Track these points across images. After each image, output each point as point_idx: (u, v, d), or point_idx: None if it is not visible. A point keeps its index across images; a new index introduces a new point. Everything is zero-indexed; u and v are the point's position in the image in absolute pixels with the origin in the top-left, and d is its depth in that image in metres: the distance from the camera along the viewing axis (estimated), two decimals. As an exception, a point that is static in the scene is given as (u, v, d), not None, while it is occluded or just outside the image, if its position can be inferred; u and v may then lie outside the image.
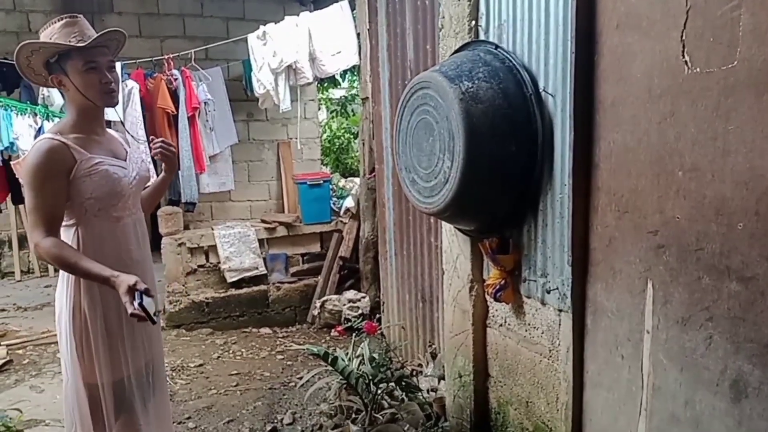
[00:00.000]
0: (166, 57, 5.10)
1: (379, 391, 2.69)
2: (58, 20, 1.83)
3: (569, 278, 1.88)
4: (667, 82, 1.53)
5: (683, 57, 1.48)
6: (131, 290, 1.67)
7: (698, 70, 1.45)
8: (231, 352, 4.34)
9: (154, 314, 1.70)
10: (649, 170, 1.60)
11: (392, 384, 2.75)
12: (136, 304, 1.66)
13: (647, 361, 1.66)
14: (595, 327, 1.86)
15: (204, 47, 5.48)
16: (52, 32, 1.81)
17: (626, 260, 1.71)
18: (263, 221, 5.37)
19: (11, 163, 4.49)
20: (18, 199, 5.00)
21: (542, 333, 2.08)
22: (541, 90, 1.95)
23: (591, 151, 1.80)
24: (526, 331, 2.17)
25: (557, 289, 1.96)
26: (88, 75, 1.80)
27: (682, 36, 1.48)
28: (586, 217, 1.85)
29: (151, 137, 2.19)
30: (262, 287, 5.01)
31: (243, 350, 4.36)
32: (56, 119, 4.53)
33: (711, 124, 1.42)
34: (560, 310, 1.96)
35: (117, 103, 1.93)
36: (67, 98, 1.88)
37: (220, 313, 4.88)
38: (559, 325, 1.98)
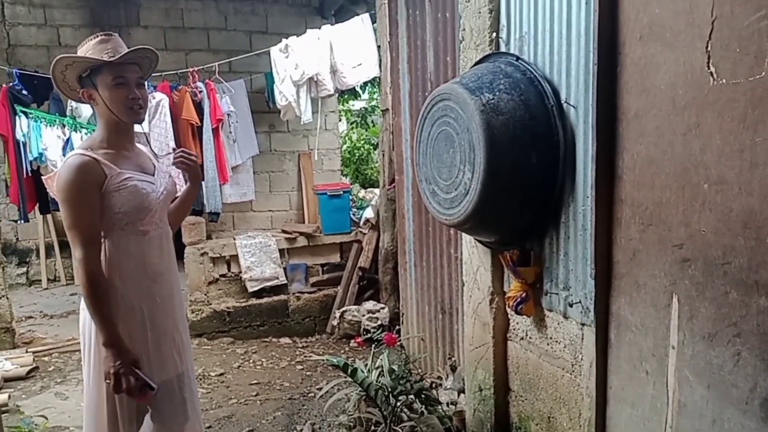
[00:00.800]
0: (191, 70, 5.19)
1: (398, 404, 2.68)
2: (94, 37, 1.89)
3: (592, 291, 1.86)
4: (691, 94, 1.51)
5: (708, 68, 1.46)
6: (129, 371, 1.77)
7: (724, 81, 1.42)
8: (251, 361, 4.36)
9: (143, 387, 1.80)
10: (674, 182, 1.58)
11: (412, 396, 2.73)
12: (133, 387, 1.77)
13: (672, 378, 1.62)
14: (618, 341, 1.83)
15: (228, 60, 5.57)
16: (87, 48, 1.88)
17: (651, 274, 1.68)
18: (284, 231, 5.41)
19: (43, 177, 4.61)
20: (45, 209, 5.13)
21: (564, 347, 2.05)
22: (563, 101, 1.93)
23: (614, 163, 1.78)
24: (548, 344, 2.14)
25: (580, 302, 1.93)
26: (116, 90, 1.85)
27: (707, 47, 1.46)
28: (609, 230, 1.82)
29: (173, 148, 2.23)
30: (283, 297, 5.03)
31: (263, 360, 4.38)
32: (84, 130, 4.64)
33: (738, 136, 1.40)
34: (583, 324, 1.93)
35: (143, 120, 1.98)
36: (97, 113, 1.92)
37: (241, 323, 4.92)
38: (582, 339, 1.95)
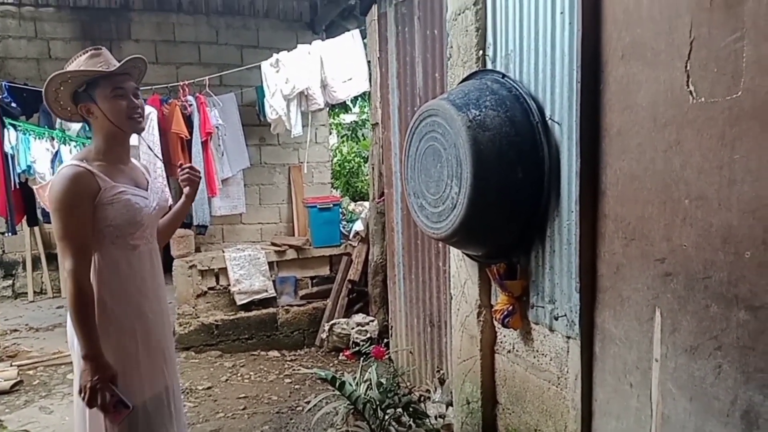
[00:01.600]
0: (181, 84, 5.21)
1: (386, 417, 2.68)
2: (84, 53, 1.89)
3: (577, 305, 1.88)
4: (672, 112, 1.55)
5: (688, 87, 1.50)
6: (106, 386, 1.76)
7: (703, 99, 1.47)
8: (239, 375, 4.33)
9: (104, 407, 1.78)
10: (656, 198, 1.61)
11: (400, 410, 2.74)
12: (109, 403, 1.76)
13: (656, 390, 1.64)
14: (603, 354, 1.85)
15: (218, 74, 5.60)
16: (78, 63, 1.87)
17: (634, 287, 1.70)
18: (273, 244, 5.41)
19: (34, 187, 4.58)
20: (33, 221, 5.10)
21: (550, 360, 2.07)
22: (547, 118, 1.97)
23: (598, 179, 1.82)
24: (535, 357, 2.16)
25: (565, 315, 1.95)
26: (115, 101, 1.85)
27: (686, 66, 1.51)
28: (593, 244, 1.85)
29: (180, 162, 2.23)
30: (271, 310, 5.02)
31: (251, 373, 4.36)
32: (72, 143, 4.63)
33: (716, 153, 1.44)
34: (568, 337, 1.96)
35: (143, 130, 1.98)
36: (94, 127, 1.91)
37: (230, 336, 4.89)
38: (568, 352, 1.97)
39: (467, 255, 2.41)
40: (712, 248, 1.46)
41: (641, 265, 1.67)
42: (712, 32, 1.44)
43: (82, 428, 1.92)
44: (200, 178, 2.15)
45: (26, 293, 6.38)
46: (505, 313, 2.15)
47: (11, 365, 4.25)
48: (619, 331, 1.77)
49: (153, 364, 1.96)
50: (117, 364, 1.83)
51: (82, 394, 1.77)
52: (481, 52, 2.31)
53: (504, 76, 2.13)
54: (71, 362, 2.05)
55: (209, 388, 4.05)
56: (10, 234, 5.08)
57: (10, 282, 6.41)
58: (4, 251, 6.36)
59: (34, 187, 4.06)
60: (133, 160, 2.05)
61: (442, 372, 3.36)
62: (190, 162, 5.12)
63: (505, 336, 2.34)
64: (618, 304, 1.77)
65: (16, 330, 5.26)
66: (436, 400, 3.12)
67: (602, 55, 1.78)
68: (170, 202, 2.23)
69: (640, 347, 1.69)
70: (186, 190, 2.14)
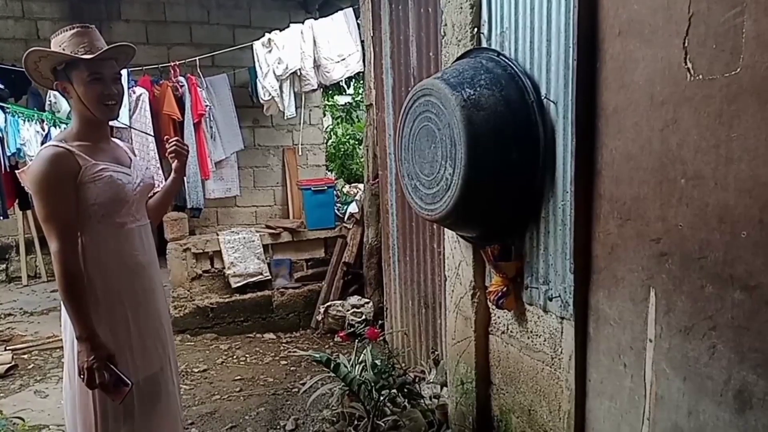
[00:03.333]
0: (172, 64, 5.13)
1: (381, 398, 2.68)
2: (70, 29, 1.84)
3: (571, 286, 1.87)
4: (669, 90, 1.53)
5: (685, 64, 1.47)
6: (103, 364, 1.75)
7: (701, 77, 1.44)
8: (235, 357, 4.34)
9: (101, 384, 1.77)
10: (652, 178, 1.59)
11: (394, 391, 2.74)
12: (107, 381, 1.75)
13: (650, 370, 1.64)
14: (597, 335, 1.85)
15: (210, 54, 5.51)
16: (62, 40, 1.83)
17: (629, 268, 1.69)
18: (268, 227, 5.39)
19: (17, 171, 4.53)
20: (25, 205, 5.04)
21: (544, 341, 2.07)
22: (543, 97, 1.94)
23: (593, 159, 1.80)
24: (529, 338, 2.16)
25: (559, 296, 1.94)
26: (91, 86, 1.82)
27: (684, 43, 1.48)
28: (588, 225, 1.84)
29: (166, 137, 2.20)
30: (267, 292, 5.01)
31: (247, 355, 4.36)
32: (63, 126, 4.56)
33: (714, 132, 1.42)
34: (562, 318, 1.95)
35: (117, 117, 1.94)
36: (72, 106, 1.90)
37: (225, 318, 4.89)
38: (561, 333, 1.97)
39: (462, 236, 2.40)
40: (708, 228, 1.45)
41: (636, 245, 1.66)
42: (711, 7, 1.41)
43: (71, 410, 1.92)
44: (188, 151, 2.13)
45: (20, 277, 6.35)
46: (500, 294, 2.14)
47: (6, 349, 4.24)
48: (614, 312, 1.77)
49: (145, 344, 1.96)
50: (109, 344, 1.82)
51: (81, 376, 1.77)
52: (475, 29, 2.27)
53: (499, 54, 2.10)
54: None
55: (205, 370, 4.05)
56: (2, 218, 5.03)
57: (4, 266, 6.38)
58: (-4, 235, 6.32)
59: (17, 172, 4.00)
60: (115, 140, 2.03)
61: (436, 353, 3.37)
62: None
63: (499, 317, 2.34)
64: (612, 285, 1.76)
65: (10, 314, 5.24)
66: (431, 381, 3.13)
67: (599, 32, 1.74)
68: (159, 180, 2.20)
69: (634, 328, 1.69)
70: (174, 164, 2.11)
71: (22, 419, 3.17)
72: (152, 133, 4.84)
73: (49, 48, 1.83)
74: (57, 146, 1.79)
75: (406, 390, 2.75)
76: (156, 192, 2.19)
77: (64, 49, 1.81)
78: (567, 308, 1.90)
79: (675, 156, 1.52)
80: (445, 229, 2.55)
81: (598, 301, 1.83)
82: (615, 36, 1.69)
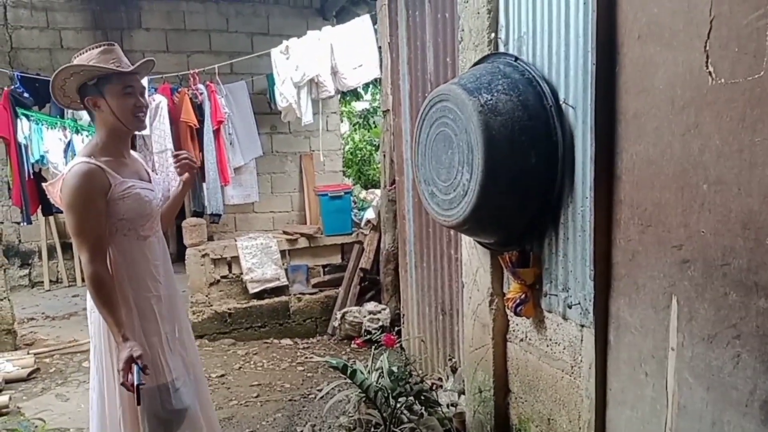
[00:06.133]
0: (191, 72, 5.20)
1: (398, 405, 2.67)
2: (97, 47, 1.92)
3: (591, 293, 1.85)
4: (690, 94, 1.50)
5: (707, 68, 1.45)
6: (132, 360, 1.76)
7: (723, 81, 1.41)
8: (252, 362, 4.36)
9: (140, 385, 1.77)
10: (673, 183, 1.57)
11: (411, 398, 2.72)
12: (135, 378, 1.75)
13: (672, 379, 1.61)
14: (618, 343, 1.82)
15: (229, 62, 5.58)
16: (89, 57, 1.90)
17: (650, 275, 1.66)
18: (285, 233, 5.41)
19: (43, 185, 4.61)
20: (48, 211, 5.14)
21: (564, 348, 2.04)
22: (561, 102, 1.92)
23: (613, 164, 1.77)
24: (548, 346, 2.13)
25: (579, 303, 1.92)
26: (124, 99, 1.90)
27: (705, 46, 1.45)
28: (608, 231, 1.81)
29: (175, 152, 2.28)
30: (284, 298, 5.04)
31: (264, 361, 4.38)
32: (85, 133, 4.64)
33: (737, 136, 1.39)
34: (582, 326, 1.92)
35: (145, 128, 2.07)
36: (97, 121, 1.96)
37: (242, 324, 4.92)
38: (581, 340, 1.94)
39: (479, 242, 2.38)
40: (732, 234, 1.41)
41: (658, 252, 1.63)
42: (733, 10, 1.38)
43: (100, 415, 1.94)
44: (197, 165, 2.21)
45: (42, 282, 6.47)
46: (518, 301, 2.12)
47: (28, 353, 4.31)
48: (635, 320, 1.73)
49: (172, 347, 2.04)
50: (145, 348, 1.89)
51: (123, 379, 1.80)
52: (493, 34, 2.26)
53: (517, 59, 2.08)
54: (87, 350, 2.09)
55: (223, 375, 4.08)
56: (25, 224, 5.14)
57: (27, 271, 6.50)
58: (20, 241, 6.44)
59: (44, 185, 4.12)
60: (133, 152, 2.11)
61: (454, 360, 3.35)
62: (202, 151, 5.13)
63: (517, 324, 2.31)
64: (633, 292, 1.73)
65: (32, 318, 5.34)
66: (448, 388, 3.11)
67: (618, 37, 1.72)
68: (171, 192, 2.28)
69: (655, 336, 1.66)
70: (184, 176, 2.17)
71: (43, 421, 3.22)
72: (171, 145, 4.91)
73: (73, 64, 1.88)
74: (89, 163, 1.86)
75: (423, 397, 2.73)
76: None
77: (95, 65, 1.87)
78: (587, 316, 1.88)
79: (697, 161, 1.49)
80: (462, 235, 2.54)
81: (619, 309, 1.80)
82: (634, 40, 1.67)
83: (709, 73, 1.44)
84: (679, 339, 1.58)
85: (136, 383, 1.75)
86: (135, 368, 1.76)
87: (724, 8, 1.40)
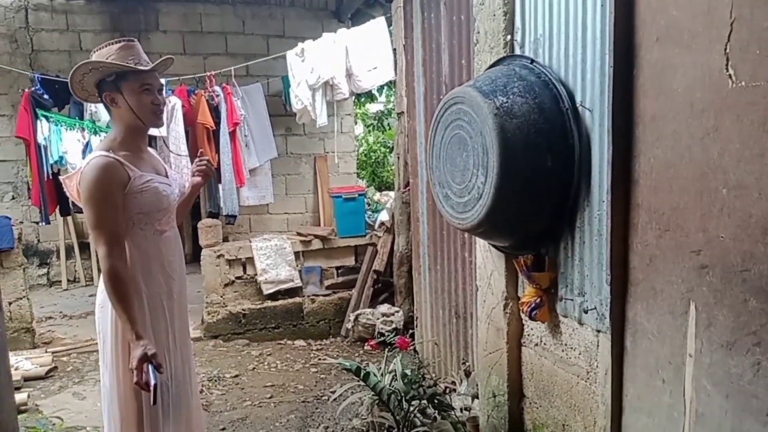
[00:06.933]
0: (208, 74, 5.24)
1: (411, 409, 2.66)
2: (116, 42, 1.93)
3: (608, 298, 1.83)
4: (710, 97, 1.48)
5: (727, 70, 1.43)
6: (147, 359, 1.76)
7: (743, 83, 1.39)
8: (266, 363, 4.37)
9: (155, 386, 1.77)
10: (692, 187, 1.55)
11: (425, 401, 2.72)
12: (151, 377, 1.75)
13: (690, 386, 1.58)
14: (634, 349, 1.79)
15: (245, 64, 5.62)
16: (109, 53, 1.90)
17: (668, 280, 1.64)
18: (299, 234, 5.43)
19: (60, 178, 4.68)
20: (66, 211, 5.22)
21: (579, 354, 2.02)
22: (578, 104, 1.91)
23: (630, 167, 1.75)
24: (563, 351, 2.11)
25: (595, 308, 1.90)
26: (142, 96, 1.91)
27: (725, 49, 1.43)
28: (625, 235, 1.79)
29: (201, 152, 2.28)
30: (297, 299, 5.05)
31: (278, 362, 4.39)
32: (102, 134, 4.70)
33: (757, 140, 1.36)
34: (598, 331, 1.90)
35: (163, 125, 2.09)
36: (114, 116, 1.97)
37: (257, 325, 4.94)
38: (597, 346, 1.92)
39: (494, 246, 2.37)
40: (752, 240, 1.39)
41: (675, 256, 1.61)
42: (754, 12, 1.36)
43: (110, 408, 1.96)
44: (214, 171, 2.22)
45: (60, 281, 6.56)
46: (533, 305, 2.10)
47: (46, 351, 4.37)
48: (652, 325, 1.71)
49: (178, 344, 2.05)
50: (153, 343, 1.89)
51: (136, 377, 1.80)
52: (509, 37, 2.25)
53: (533, 61, 2.07)
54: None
55: (237, 376, 4.10)
56: (44, 223, 5.22)
57: (45, 270, 6.60)
58: (39, 240, 6.54)
59: (61, 178, 4.18)
60: (149, 149, 2.12)
61: (467, 364, 3.33)
62: (218, 152, 5.17)
63: (532, 329, 2.30)
64: (650, 297, 1.71)
65: (50, 317, 5.41)
66: (462, 392, 3.09)
67: (636, 39, 1.70)
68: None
69: (673, 342, 1.63)
70: (196, 179, 2.19)
71: (61, 419, 3.26)
72: (185, 148, 4.96)
73: (92, 60, 1.90)
74: (107, 156, 1.87)
75: (436, 401, 2.72)
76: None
77: (113, 61, 1.89)
78: (603, 321, 1.86)
79: (716, 165, 1.47)
80: (477, 238, 2.52)
81: (636, 314, 1.78)
82: (653, 42, 1.65)
83: (729, 76, 1.42)
84: (697, 345, 1.55)
85: (153, 383, 1.76)
86: (150, 368, 1.77)
87: (745, 10, 1.38)
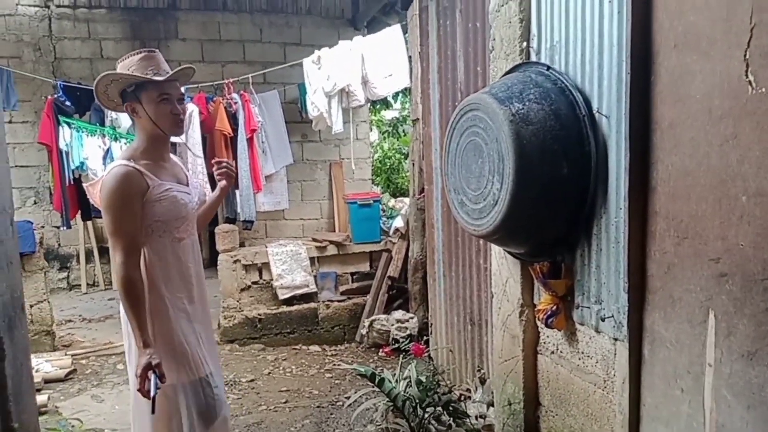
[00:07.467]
0: (226, 81, 5.31)
1: (426, 415, 2.66)
2: (137, 53, 1.98)
3: (625, 306, 1.81)
4: (728, 103, 1.47)
5: (747, 77, 1.41)
6: (150, 368, 1.80)
7: (764, 90, 1.38)
8: (281, 368, 4.39)
9: (153, 397, 1.80)
10: (710, 194, 1.53)
11: (439, 408, 2.71)
12: (152, 386, 1.78)
13: (709, 397, 1.56)
14: (652, 358, 1.77)
15: (262, 71, 5.67)
16: (130, 64, 1.95)
17: (686, 288, 1.62)
18: (314, 240, 5.46)
19: (84, 185, 4.76)
20: (87, 216, 5.30)
21: (596, 362, 2.01)
22: (594, 111, 1.90)
23: (648, 174, 1.74)
24: (580, 359, 2.09)
25: (612, 316, 1.88)
26: (160, 106, 1.95)
27: (745, 55, 1.42)
28: (642, 243, 1.77)
29: (217, 158, 2.31)
30: (312, 305, 5.07)
31: (293, 367, 4.41)
32: (123, 140, 4.78)
33: (778, 147, 1.35)
34: (616, 339, 1.88)
35: (183, 133, 2.08)
36: (137, 125, 2.02)
37: (272, 330, 4.97)
38: (615, 354, 1.90)
39: (509, 252, 2.36)
40: (773, 248, 1.37)
41: (694, 264, 1.59)
42: (774, 18, 1.35)
43: (142, 412, 1.98)
44: (235, 173, 2.22)
45: (80, 285, 6.66)
46: (549, 313, 2.09)
47: (66, 354, 4.44)
48: (670, 334, 1.69)
49: (199, 347, 2.07)
50: (174, 347, 1.94)
51: (138, 381, 1.85)
52: (524, 44, 2.25)
53: (549, 68, 2.07)
54: (121, 353, 2.14)
55: (252, 380, 4.12)
56: (65, 228, 5.31)
57: (65, 274, 6.70)
58: (59, 245, 6.65)
59: (84, 185, 4.26)
60: (172, 156, 2.14)
61: (482, 371, 3.32)
62: (235, 159, 5.22)
63: (548, 336, 2.28)
64: (669, 306, 1.69)
65: (70, 321, 5.49)
66: (477, 399, 3.08)
67: (653, 45, 1.70)
68: (206, 197, 2.33)
69: (692, 351, 1.61)
70: (222, 183, 2.21)
71: (80, 421, 3.31)
72: (201, 154, 5.02)
73: (116, 71, 1.95)
74: (127, 165, 1.91)
75: (451, 408, 2.71)
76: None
77: (133, 72, 1.93)
78: (620, 329, 1.84)
79: (735, 172, 1.46)
80: (492, 245, 2.52)
81: (654, 323, 1.76)
82: (670, 49, 1.64)
83: (749, 82, 1.41)
84: (716, 355, 1.53)
85: (153, 393, 1.78)
86: (153, 377, 1.79)
87: (764, 16, 1.37)
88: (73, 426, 3.23)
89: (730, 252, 1.48)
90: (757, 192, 1.40)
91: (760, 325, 1.41)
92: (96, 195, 2.03)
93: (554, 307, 2.09)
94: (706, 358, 1.56)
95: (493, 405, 2.73)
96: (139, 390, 1.83)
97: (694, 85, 1.56)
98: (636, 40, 1.71)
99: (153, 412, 1.80)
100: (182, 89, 2.08)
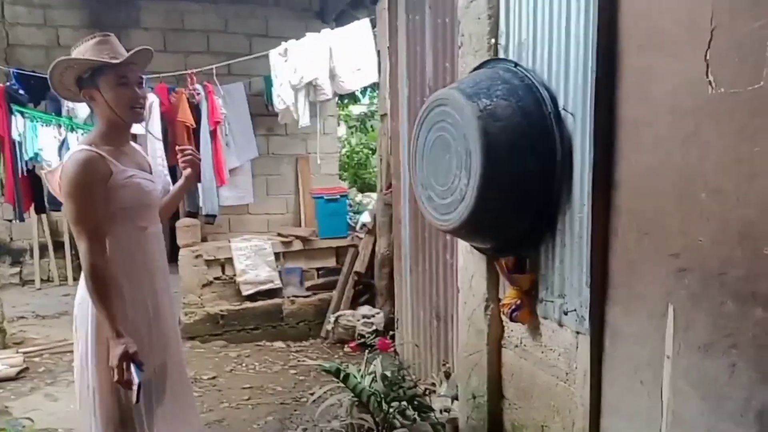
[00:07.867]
0: (189, 72, 5.19)
1: (390, 410, 2.65)
2: (91, 38, 1.90)
3: (587, 300, 1.84)
4: (690, 103, 1.50)
5: (707, 77, 1.45)
6: (127, 357, 1.74)
7: (723, 90, 1.42)
8: (244, 365, 4.33)
9: (139, 385, 1.75)
10: (672, 192, 1.57)
11: (404, 403, 2.71)
12: (134, 376, 1.73)
13: (667, 388, 1.60)
14: (613, 351, 1.81)
15: (227, 63, 5.56)
16: (85, 49, 1.88)
17: (647, 283, 1.66)
18: (279, 235, 5.40)
19: (43, 172, 4.57)
20: (41, 209, 5.10)
21: (559, 355, 2.04)
22: (561, 108, 1.93)
23: (611, 171, 1.77)
24: (543, 353, 2.13)
25: (575, 310, 1.91)
26: (119, 90, 1.88)
27: (706, 56, 1.46)
28: (605, 238, 1.81)
29: (180, 146, 2.25)
30: (277, 301, 5.01)
31: (256, 364, 4.35)
32: (80, 131, 4.62)
33: (736, 147, 1.39)
34: (578, 333, 1.92)
35: (142, 120, 2.02)
36: (96, 113, 1.95)
37: (235, 326, 4.89)
38: (577, 347, 1.93)
39: (475, 248, 2.37)
40: (730, 244, 1.42)
41: (655, 260, 1.63)
42: (734, 20, 1.39)
43: (89, 408, 1.92)
44: (200, 160, 2.19)
45: (33, 281, 6.41)
46: (514, 307, 2.12)
47: (17, 352, 4.26)
48: (631, 328, 1.73)
49: (158, 339, 2.02)
50: (134, 340, 1.86)
51: (115, 375, 1.78)
52: (493, 40, 2.26)
53: (516, 65, 2.09)
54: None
55: (214, 377, 4.05)
56: (18, 221, 5.10)
57: (18, 269, 6.44)
58: (11, 239, 6.39)
59: (42, 172, 4.09)
60: (132, 143, 2.09)
61: (447, 366, 3.34)
62: (198, 151, 5.11)
63: (512, 330, 2.31)
64: (630, 300, 1.73)
65: (23, 317, 5.29)
66: (442, 393, 3.10)
67: (619, 45, 1.73)
68: (170, 186, 2.27)
69: (651, 344, 1.65)
70: (187, 171, 2.16)
71: (32, 420, 3.18)
72: (160, 137, 4.89)
73: (65, 58, 1.87)
74: (90, 150, 1.84)
75: (416, 402, 2.72)
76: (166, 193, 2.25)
77: (88, 57, 1.86)
78: (583, 323, 1.87)
79: (696, 170, 1.50)
80: (459, 240, 2.53)
81: (615, 316, 1.80)
82: (635, 48, 1.67)
83: (710, 82, 1.45)
84: (675, 348, 1.57)
85: (137, 381, 1.73)
86: (133, 367, 1.74)
87: (724, 18, 1.41)
88: (24, 426, 3.11)
89: (689, 248, 1.52)
90: (716, 189, 1.44)
91: (716, 319, 1.45)
92: (55, 183, 1.95)
93: (519, 302, 2.11)
94: (664, 351, 1.61)
95: (457, 399, 2.75)
96: (117, 381, 1.77)
97: (658, 85, 1.60)
98: (602, 39, 1.74)
99: (137, 401, 1.76)
100: (141, 74, 2.02)
